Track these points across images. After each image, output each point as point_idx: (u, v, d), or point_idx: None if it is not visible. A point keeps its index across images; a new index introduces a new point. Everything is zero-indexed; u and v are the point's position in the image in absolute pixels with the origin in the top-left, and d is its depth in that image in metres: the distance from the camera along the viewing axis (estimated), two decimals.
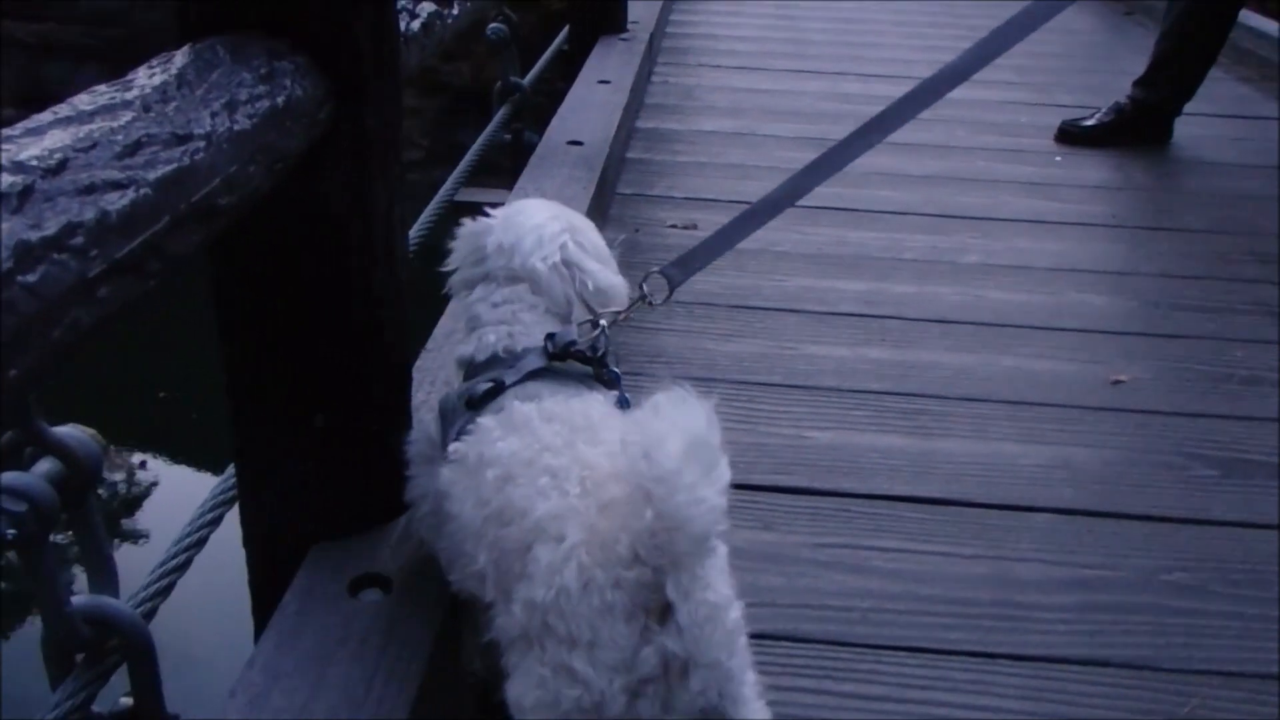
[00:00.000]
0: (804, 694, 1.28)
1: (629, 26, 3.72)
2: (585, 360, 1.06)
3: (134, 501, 4.58)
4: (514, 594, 0.91)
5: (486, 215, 1.18)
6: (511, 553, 0.92)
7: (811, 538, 1.55)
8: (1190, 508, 1.64)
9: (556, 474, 0.92)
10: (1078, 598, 1.47)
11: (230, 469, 1.33)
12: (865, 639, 1.37)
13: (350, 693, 1.00)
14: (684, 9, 4.91)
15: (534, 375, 1.03)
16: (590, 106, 2.86)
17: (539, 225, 1.16)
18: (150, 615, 1.14)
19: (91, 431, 1.04)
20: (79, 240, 0.67)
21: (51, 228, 0.65)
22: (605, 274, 1.15)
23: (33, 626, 3.24)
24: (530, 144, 2.95)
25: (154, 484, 4.72)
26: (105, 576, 1.09)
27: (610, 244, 1.22)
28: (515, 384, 1.02)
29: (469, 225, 1.18)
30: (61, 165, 0.70)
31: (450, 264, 1.19)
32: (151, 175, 0.76)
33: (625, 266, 2.30)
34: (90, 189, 0.70)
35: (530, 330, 1.09)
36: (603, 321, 1.09)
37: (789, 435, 1.78)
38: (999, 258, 2.52)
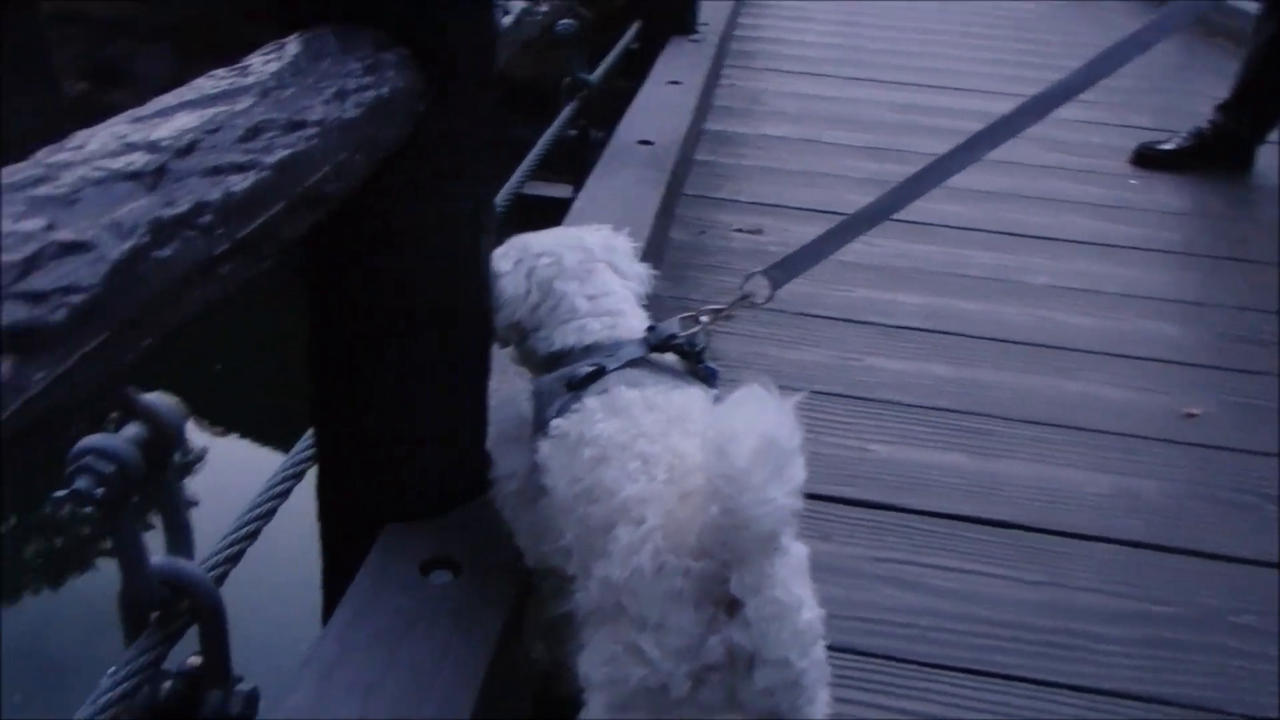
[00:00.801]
0: (860, 708, 1.28)
1: (699, 28, 3.72)
2: (684, 354, 1.08)
3: (184, 472, 4.67)
4: (593, 570, 0.93)
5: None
6: (595, 530, 0.94)
7: (870, 551, 1.54)
8: (1259, 550, 1.61)
9: (648, 459, 0.94)
10: (1139, 631, 1.45)
11: (298, 445, 1.35)
12: (922, 657, 1.37)
13: (420, 672, 1.02)
14: (752, 12, 4.90)
15: (632, 364, 1.05)
16: (660, 106, 2.86)
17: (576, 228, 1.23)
18: (220, 580, 1.17)
19: (176, 399, 1.07)
20: (207, 219, 0.69)
21: (183, 206, 0.67)
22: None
23: (83, 587, 3.31)
24: (595, 141, 2.96)
25: (202, 455, 4.80)
26: (181, 540, 1.11)
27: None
28: (615, 370, 1.04)
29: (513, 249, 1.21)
30: (191, 147, 0.72)
31: (517, 286, 1.16)
32: (270, 159, 0.78)
33: (689, 268, 2.33)
34: (216, 170, 0.72)
35: (630, 324, 1.11)
36: (703, 318, 1.10)
37: (851, 447, 1.77)
38: (1067, 280, 2.49)
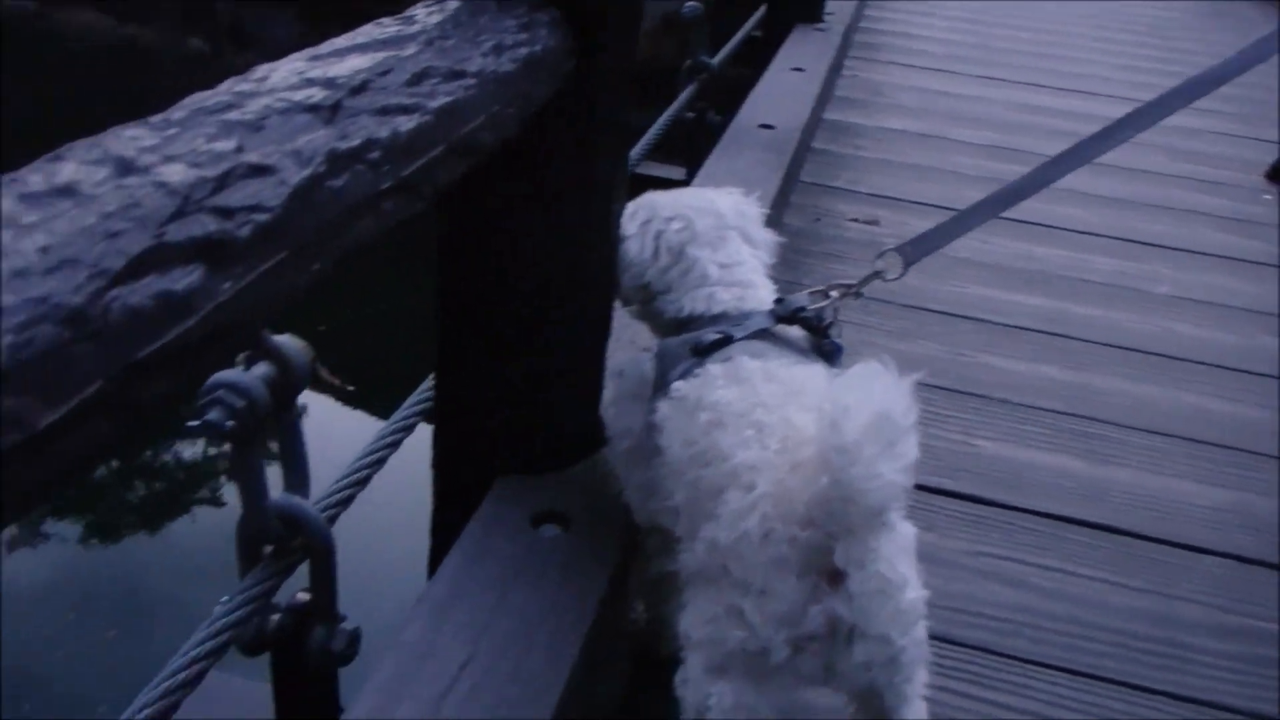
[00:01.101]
0: (953, 696, 1.28)
1: (825, 17, 3.69)
2: (810, 328, 1.08)
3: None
4: (700, 532, 0.95)
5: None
6: (705, 493, 0.95)
7: (971, 545, 1.53)
8: None
9: (762, 428, 0.95)
10: (1245, 647, 1.42)
11: (410, 399, 1.39)
12: (1018, 652, 1.36)
13: (527, 620, 1.05)
14: (878, 5, 4.83)
15: (758, 335, 1.06)
16: (783, 92, 2.86)
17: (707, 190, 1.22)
18: (331, 522, 1.22)
19: (304, 343, 1.12)
20: (375, 155, 0.72)
21: (355, 140, 0.71)
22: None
23: (178, 533, 3.42)
24: (713, 124, 2.97)
25: (300, 414, 4.94)
26: (299, 479, 1.16)
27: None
28: (741, 339, 1.05)
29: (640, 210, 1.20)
30: (363, 86, 0.75)
31: (645, 249, 1.16)
32: (433, 104, 0.82)
33: (804, 255, 2.32)
34: (385, 111, 0.76)
35: (759, 295, 1.12)
36: (833, 293, 1.10)
37: (957, 441, 1.76)
38: (1190, 291, 2.42)
